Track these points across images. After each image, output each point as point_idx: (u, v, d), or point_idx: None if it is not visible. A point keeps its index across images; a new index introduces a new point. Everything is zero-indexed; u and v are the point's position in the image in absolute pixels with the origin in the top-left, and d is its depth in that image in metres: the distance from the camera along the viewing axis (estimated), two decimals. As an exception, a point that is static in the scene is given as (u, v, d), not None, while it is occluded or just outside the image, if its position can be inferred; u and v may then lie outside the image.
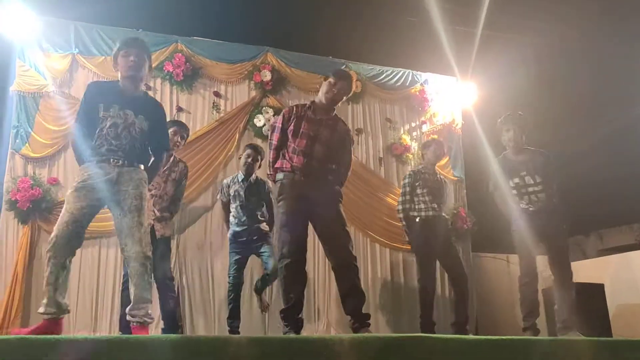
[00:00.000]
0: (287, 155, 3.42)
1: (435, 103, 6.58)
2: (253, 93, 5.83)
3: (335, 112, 3.58)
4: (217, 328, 5.09)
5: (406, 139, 6.33)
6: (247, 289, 5.31)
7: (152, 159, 3.25)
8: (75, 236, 2.89)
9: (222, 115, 5.67)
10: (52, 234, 2.86)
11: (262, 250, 4.58)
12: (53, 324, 2.83)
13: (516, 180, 4.16)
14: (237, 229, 4.62)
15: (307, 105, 3.52)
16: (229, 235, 4.71)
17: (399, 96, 6.48)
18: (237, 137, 5.65)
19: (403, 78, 6.51)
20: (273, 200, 3.45)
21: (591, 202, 7.79)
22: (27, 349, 1.96)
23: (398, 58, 6.52)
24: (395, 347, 2.24)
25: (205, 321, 5.15)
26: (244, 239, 4.59)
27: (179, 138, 4.33)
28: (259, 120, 5.72)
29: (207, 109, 5.68)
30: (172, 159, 4.33)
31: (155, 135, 3.17)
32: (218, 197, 4.91)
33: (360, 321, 3.30)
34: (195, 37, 5.77)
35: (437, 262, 4.92)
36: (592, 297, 5.09)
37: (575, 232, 9.35)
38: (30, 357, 1.92)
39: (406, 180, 4.92)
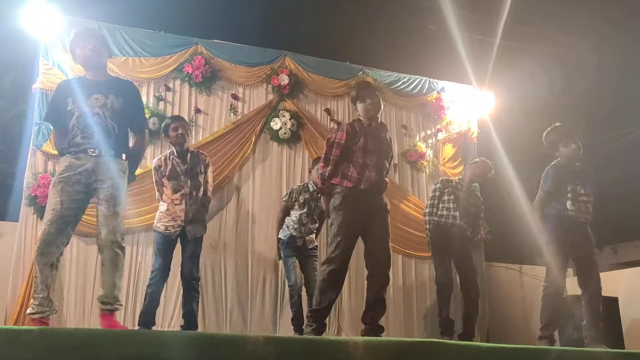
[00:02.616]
0: (349, 170, 3.48)
1: (452, 111, 6.57)
2: (270, 96, 5.87)
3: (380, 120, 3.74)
4: (229, 328, 5.13)
5: (421, 146, 6.33)
6: (259, 289, 5.36)
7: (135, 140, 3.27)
8: (61, 234, 2.89)
9: (239, 117, 5.72)
10: (40, 234, 2.86)
11: (307, 264, 4.70)
12: (44, 324, 2.85)
13: (571, 186, 4.15)
14: (295, 234, 4.74)
15: (368, 124, 3.60)
16: (283, 237, 4.79)
17: (415, 103, 6.48)
18: (253, 139, 5.69)
19: (420, 85, 6.51)
20: (330, 211, 3.51)
21: (606, 216, 7.72)
22: (49, 341, 2.01)
23: (415, 65, 6.54)
24: (410, 352, 2.26)
25: (217, 321, 5.18)
26: (299, 245, 4.73)
27: (184, 130, 4.37)
28: (276, 124, 5.76)
29: (224, 111, 5.72)
30: (189, 154, 4.39)
31: (132, 114, 3.15)
32: (283, 199, 4.97)
33: (373, 330, 3.38)
34: (215, 40, 5.83)
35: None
36: (606, 310, 5.04)
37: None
38: (51, 350, 1.96)
39: (437, 186, 5.10)
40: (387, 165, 3.66)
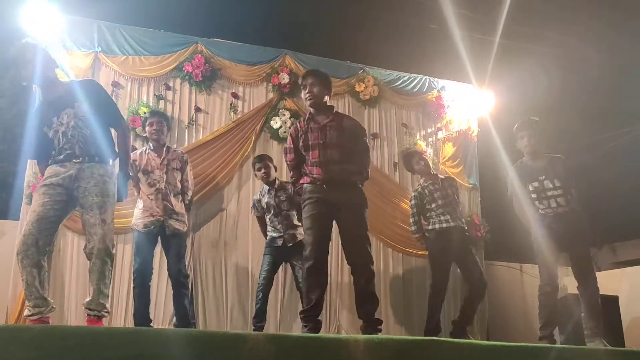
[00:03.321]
0: (307, 169, 3.51)
1: (452, 110, 6.57)
2: (270, 95, 5.87)
3: (335, 110, 3.65)
4: (229, 326, 5.13)
5: (422, 144, 6.32)
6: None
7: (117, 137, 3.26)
8: (44, 234, 2.88)
9: (239, 116, 5.72)
10: (19, 236, 2.87)
11: (295, 261, 4.65)
12: (45, 323, 2.86)
13: (535, 184, 4.11)
14: (274, 234, 4.75)
15: (307, 117, 3.59)
16: (266, 240, 4.82)
17: (416, 102, 6.48)
18: (253, 138, 5.69)
19: (420, 84, 6.51)
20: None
21: (605, 215, 7.73)
22: (50, 339, 2.01)
23: (415, 64, 6.54)
24: (410, 350, 2.26)
25: (217, 319, 5.19)
26: (279, 245, 4.70)
27: (159, 126, 4.38)
28: (276, 123, 5.76)
29: (224, 110, 5.72)
30: (165, 149, 4.39)
31: (101, 112, 3.10)
32: (252, 213, 5.02)
33: (372, 326, 3.34)
34: (215, 39, 5.83)
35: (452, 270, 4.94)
36: (606, 308, 5.04)
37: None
38: (50, 348, 1.97)
39: (412, 202, 4.98)
40: (343, 152, 3.47)
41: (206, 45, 5.70)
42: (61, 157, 2.98)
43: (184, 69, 5.56)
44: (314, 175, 3.46)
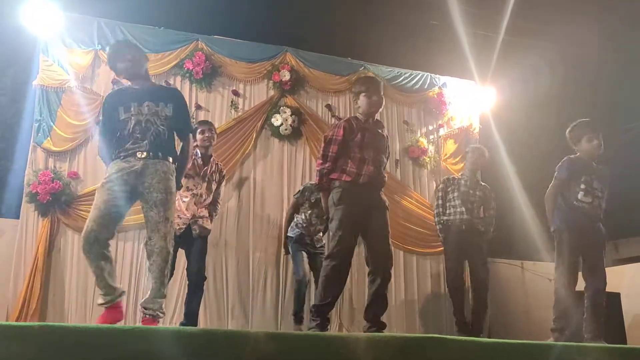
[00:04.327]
0: (346, 165, 3.46)
1: (453, 107, 6.55)
2: (271, 92, 5.85)
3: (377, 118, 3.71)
4: (230, 325, 5.13)
5: (423, 141, 6.31)
6: (260, 285, 5.36)
7: (181, 144, 3.32)
8: (104, 229, 2.93)
9: (240, 114, 5.70)
10: (83, 232, 2.93)
11: (315, 260, 4.70)
12: (114, 310, 2.97)
13: (587, 178, 4.10)
14: (304, 232, 4.78)
15: (362, 118, 3.58)
16: (293, 235, 4.83)
17: (417, 99, 6.46)
18: (254, 136, 5.68)
19: (421, 81, 6.49)
20: (330, 207, 3.49)
21: (608, 212, 7.70)
22: (51, 337, 2.00)
23: (417, 60, 6.51)
24: (412, 348, 2.24)
25: (218, 318, 5.18)
26: (307, 242, 4.77)
27: (211, 134, 4.39)
28: (277, 120, 5.75)
29: (225, 107, 5.71)
30: (212, 159, 4.41)
31: (178, 119, 3.20)
32: (295, 195, 5.01)
33: (376, 328, 3.37)
34: (215, 36, 5.81)
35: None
36: (608, 305, 5.03)
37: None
38: (51, 346, 1.96)
39: (440, 186, 5.17)
40: (385, 160, 3.63)
41: (207, 43, 5.69)
42: (129, 144, 3.02)
43: (184, 66, 5.55)
44: (360, 172, 3.42)
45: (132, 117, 3.04)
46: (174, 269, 4.24)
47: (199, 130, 4.38)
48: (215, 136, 4.52)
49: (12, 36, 5.27)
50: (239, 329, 4.64)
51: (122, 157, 3.02)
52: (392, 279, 5.78)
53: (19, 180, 5.05)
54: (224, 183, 4.60)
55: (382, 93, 3.62)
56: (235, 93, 5.75)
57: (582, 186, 4.08)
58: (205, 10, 5.70)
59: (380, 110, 3.67)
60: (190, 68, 5.54)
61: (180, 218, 4.21)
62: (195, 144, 4.19)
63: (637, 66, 6.50)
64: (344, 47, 6.24)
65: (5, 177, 5.26)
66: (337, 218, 3.42)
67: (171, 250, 3.02)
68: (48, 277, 4.81)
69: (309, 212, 4.79)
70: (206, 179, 4.31)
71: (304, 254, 4.78)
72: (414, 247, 5.89)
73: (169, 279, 4.04)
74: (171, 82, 5.54)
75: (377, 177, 3.51)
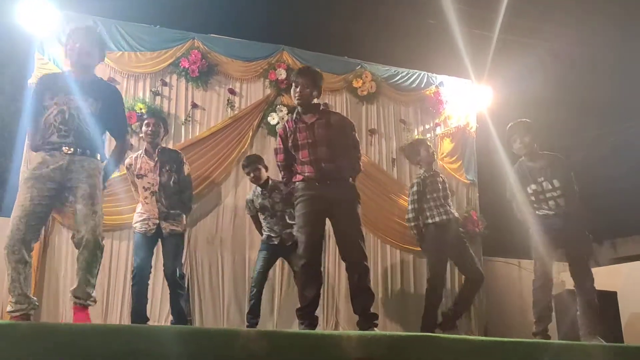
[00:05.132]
0: (298, 168, 3.50)
1: (450, 105, 6.55)
2: (268, 91, 5.84)
3: (322, 107, 3.58)
4: (226, 323, 5.12)
5: (420, 140, 6.31)
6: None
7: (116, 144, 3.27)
8: (31, 229, 2.84)
9: (236, 112, 5.69)
10: (8, 230, 2.81)
11: (293, 258, 4.62)
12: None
13: (534, 187, 4.08)
14: (271, 234, 4.75)
15: (295, 117, 3.55)
16: (262, 237, 4.83)
17: (414, 98, 6.45)
18: (250, 134, 5.67)
19: (418, 80, 6.49)
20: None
21: (605, 211, 7.71)
22: (43, 336, 2.00)
23: (413, 59, 6.51)
24: (403, 346, 2.24)
25: (214, 316, 5.18)
26: (276, 243, 4.71)
27: (155, 127, 4.32)
28: (273, 119, 5.74)
29: (221, 106, 5.70)
30: (158, 150, 4.33)
31: (112, 119, 3.12)
32: (246, 212, 5.03)
33: (367, 321, 3.33)
34: (211, 35, 5.80)
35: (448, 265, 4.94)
36: (605, 304, 5.03)
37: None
38: (41, 345, 1.95)
39: (414, 189, 4.91)
40: (343, 149, 3.48)
41: (203, 41, 5.68)
42: (54, 137, 2.94)
43: (180, 64, 5.53)
44: (306, 174, 3.45)
45: (55, 106, 2.96)
46: (150, 268, 4.26)
47: (144, 122, 4.35)
48: (162, 130, 4.40)
49: (8, 35, 5.27)
50: (230, 327, 4.65)
51: (47, 150, 2.94)
52: (388, 277, 5.86)
53: (15, 179, 5.04)
54: (186, 167, 4.42)
55: (308, 79, 3.45)
56: (232, 91, 5.74)
57: (532, 198, 4.09)
58: (201, 9, 5.72)
59: (311, 98, 3.47)
60: (186, 66, 5.53)
61: (149, 219, 4.20)
62: (130, 145, 4.18)
63: (632, 64, 6.51)
64: (341, 45, 6.24)
65: (3, 175, 5.26)
66: (298, 214, 3.44)
67: (101, 242, 2.94)
68: (43, 275, 4.80)
69: (263, 218, 4.80)
70: (157, 172, 4.24)
71: (266, 253, 4.72)
72: (410, 245, 5.87)
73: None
74: (167, 80, 5.53)
75: (334, 170, 3.43)
